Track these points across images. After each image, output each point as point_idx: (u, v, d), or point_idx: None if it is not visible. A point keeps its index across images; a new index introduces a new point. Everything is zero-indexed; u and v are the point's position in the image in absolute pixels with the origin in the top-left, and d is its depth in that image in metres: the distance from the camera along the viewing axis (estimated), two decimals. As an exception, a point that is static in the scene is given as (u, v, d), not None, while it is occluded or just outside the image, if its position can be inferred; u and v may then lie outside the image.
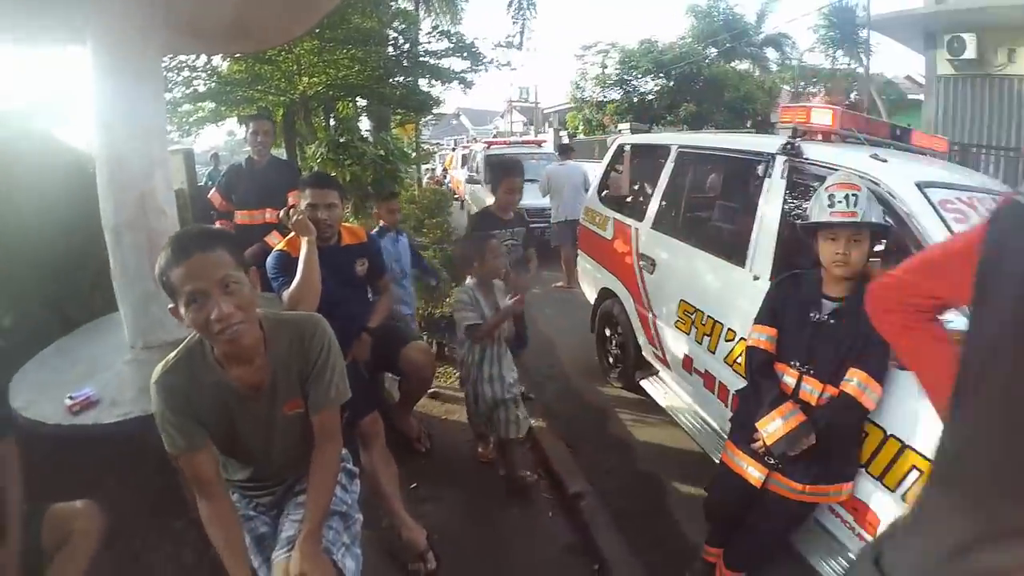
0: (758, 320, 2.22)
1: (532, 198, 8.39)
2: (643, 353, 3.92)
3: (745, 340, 2.49)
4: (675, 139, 4.12)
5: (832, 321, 2.01)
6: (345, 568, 1.66)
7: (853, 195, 1.97)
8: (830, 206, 1.99)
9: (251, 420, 1.67)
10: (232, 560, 1.55)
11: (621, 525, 2.77)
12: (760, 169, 2.94)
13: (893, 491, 1.94)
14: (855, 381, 1.92)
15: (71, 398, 2.16)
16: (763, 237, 2.78)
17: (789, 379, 2.07)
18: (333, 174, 5.90)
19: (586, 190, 6.50)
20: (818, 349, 2.02)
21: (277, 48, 8.42)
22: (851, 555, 2.14)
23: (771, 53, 24.64)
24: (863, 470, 2.04)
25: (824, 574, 2.18)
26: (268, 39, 5.06)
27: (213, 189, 4.35)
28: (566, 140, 15.48)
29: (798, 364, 2.06)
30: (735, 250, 2.97)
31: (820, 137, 2.89)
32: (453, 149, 22.56)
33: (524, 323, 3.54)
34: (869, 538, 2.02)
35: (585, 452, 3.43)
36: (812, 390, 2.00)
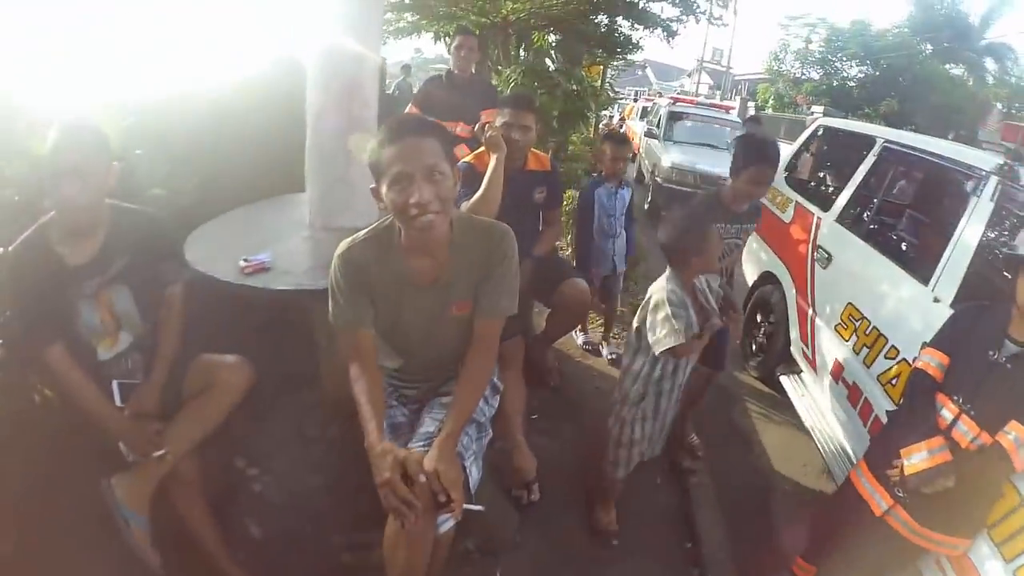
0: (933, 344, 2.06)
1: (709, 164, 8.12)
2: (791, 348, 3.75)
3: (906, 361, 2.34)
4: (882, 132, 3.78)
5: (1010, 366, 1.83)
6: (470, 476, 1.66)
7: None
8: None
9: (418, 312, 1.71)
10: (368, 410, 1.59)
11: (723, 512, 2.75)
12: (969, 185, 2.65)
13: (1008, 563, 1.76)
14: (1013, 435, 1.75)
15: (246, 260, 2.22)
16: (956, 258, 2.53)
17: (947, 413, 1.92)
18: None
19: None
20: (986, 391, 1.85)
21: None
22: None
23: (990, 64, 21.07)
24: (985, 531, 1.86)
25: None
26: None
27: (410, 104, 4.42)
28: (753, 112, 14.55)
29: (960, 400, 1.90)
30: (921, 265, 2.74)
31: None
32: (634, 99, 21.87)
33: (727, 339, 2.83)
34: None
35: (704, 432, 3.37)
36: (966, 431, 1.85)
